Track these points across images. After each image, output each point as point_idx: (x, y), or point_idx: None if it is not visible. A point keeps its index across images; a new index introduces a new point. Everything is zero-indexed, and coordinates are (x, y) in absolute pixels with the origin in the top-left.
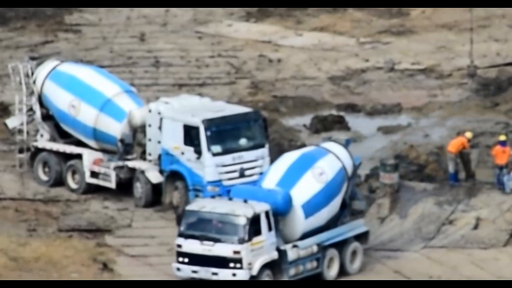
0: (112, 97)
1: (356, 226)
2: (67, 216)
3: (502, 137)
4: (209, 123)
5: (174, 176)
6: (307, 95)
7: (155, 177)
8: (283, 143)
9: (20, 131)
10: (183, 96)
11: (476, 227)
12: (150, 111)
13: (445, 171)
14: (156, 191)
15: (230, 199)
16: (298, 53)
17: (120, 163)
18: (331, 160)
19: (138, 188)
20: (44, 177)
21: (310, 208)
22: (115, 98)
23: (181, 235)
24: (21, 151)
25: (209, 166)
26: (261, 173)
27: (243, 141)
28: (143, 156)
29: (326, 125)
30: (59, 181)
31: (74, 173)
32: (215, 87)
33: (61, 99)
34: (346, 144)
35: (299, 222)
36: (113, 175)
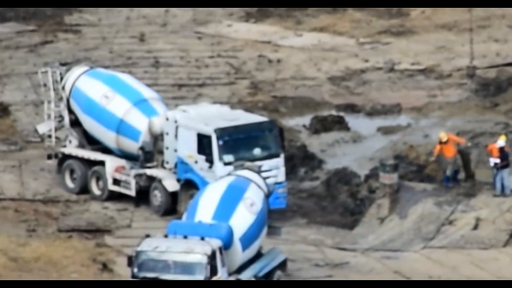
0: (123, 116)
1: (276, 255)
2: (67, 216)
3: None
4: (222, 132)
5: (189, 185)
6: (307, 95)
7: (171, 185)
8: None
9: (49, 137)
10: (203, 104)
11: (476, 227)
12: (167, 119)
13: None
14: (175, 199)
15: (185, 237)
16: (297, 53)
17: (140, 171)
18: (255, 189)
19: (157, 197)
20: (71, 185)
21: (246, 241)
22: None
23: (133, 277)
24: (49, 157)
25: (220, 175)
26: (276, 183)
27: (257, 151)
28: (164, 164)
29: (325, 125)
30: (85, 189)
31: (98, 179)
32: (214, 88)
33: (94, 90)
34: (259, 171)
35: (237, 255)
36: (133, 182)
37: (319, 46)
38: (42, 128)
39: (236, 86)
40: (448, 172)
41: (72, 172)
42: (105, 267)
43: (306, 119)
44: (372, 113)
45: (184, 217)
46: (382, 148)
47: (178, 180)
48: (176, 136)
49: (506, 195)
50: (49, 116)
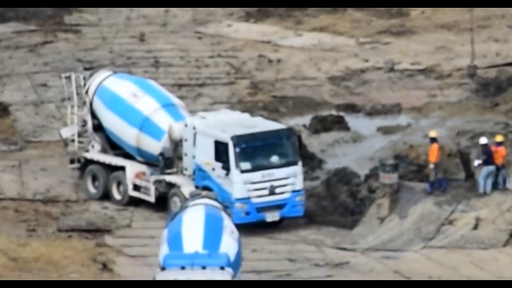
0: (150, 114)
1: None
2: (67, 216)
3: (499, 138)
4: (238, 140)
5: None
6: (307, 95)
7: (190, 192)
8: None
9: (72, 142)
10: (223, 110)
11: (475, 227)
12: (186, 125)
13: (445, 171)
14: None
15: (204, 267)
16: (297, 53)
17: (160, 177)
18: (227, 217)
19: (177, 203)
20: (92, 190)
21: (235, 268)
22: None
23: None
24: (72, 162)
25: (237, 183)
26: (293, 191)
27: (274, 158)
28: (183, 170)
29: (325, 125)
30: (106, 195)
31: (119, 184)
32: (214, 87)
33: (123, 88)
34: (217, 199)
35: None
36: (152, 189)
37: (319, 46)
38: (66, 133)
39: (236, 86)
40: (431, 178)
41: (94, 177)
42: (105, 267)
43: (306, 119)
44: (372, 113)
45: (164, 248)
46: (382, 148)
47: (197, 187)
48: (194, 142)
49: (483, 193)
50: (72, 121)
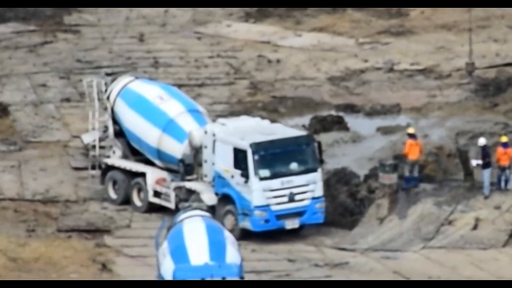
0: (175, 117)
1: None
2: (66, 216)
3: (504, 139)
4: (257, 147)
5: (227, 200)
6: (306, 95)
7: (210, 199)
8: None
9: (93, 147)
10: (243, 117)
11: (475, 227)
12: (206, 132)
13: (445, 172)
14: (214, 213)
15: (224, 278)
16: (297, 54)
17: (180, 184)
18: (224, 227)
19: None
20: (113, 195)
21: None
22: (178, 118)
23: None
24: (93, 167)
25: (256, 190)
26: (313, 198)
27: (293, 165)
28: (203, 177)
29: (325, 125)
30: (127, 200)
31: (139, 191)
32: (214, 88)
33: (149, 90)
34: (208, 210)
35: None
36: (172, 195)
37: (319, 46)
38: (87, 138)
39: (236, 86)
40: (407, 173)
41: (115, 183)
42: (104, 267)
43: (305, 119)
44: (372, 113)
45: (168, 261)
46: (381, 148)
47: (216, 194)
48: (213, 149)
49: (485, 195)
50: (93, 127)
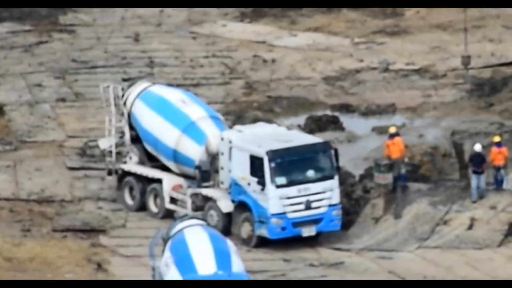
0: (197, 120)
1: None
2: (62, 216)
3: (497, 138)
4: (274, 154)
5: (243, 207)
6: (302, 95)
7: (226, 206)
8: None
9: (110, 153)
10: (260, 124)
11: (470, 227)
12: (222, 139)
13: (440, 172)
14: (231, 220)
15: None
16: (292, 54)
17: (196, 191)
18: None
19: (214, 217)
20: (130, 201)
21: None
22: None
23: None
24: (109, 173)
25: (272, 198)
26: (330, 205)
27: (310, 173)
28: (219, 184)
29: (320, 125)
30: (143, 207)
31: (156, 197)
32: (209, 88)
33: (171, 94)
34: (204, 219)
35: None
36: (189, 202)
37: (314, 46)
38: (104, 144)
39: (231, 86)
40: (403, 171)
41: (131, 189)
42: (99, 267)
43: (300, 119)
44: (367, 113)
45: (173, 271)
46: (376, 148)
47: (233, 201)
48: (230, 156)
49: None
50: (110, 132)
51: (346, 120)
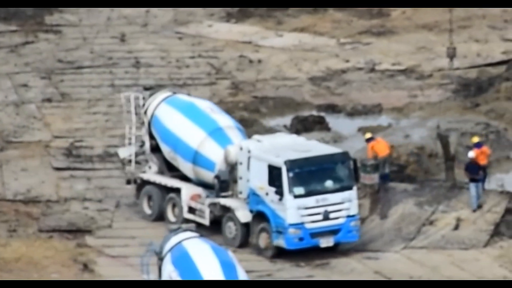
0: (224, 127)
1: None
2: (48, 216)
3: (475, 139)
4: (292, 164)
5: (261, 217)
6: (288, 95)
7: (244, 216)
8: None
9: (129, 162)
10: (279, 134)
11: (456, 227)
12: (241, 148)
13: (426, 172)
14: (249, 230)
15: None
16: (278, 54)
17: (215, 200)
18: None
19: (232, 227)
20: (148, 211)
21: None
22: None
23: None
24: (128, 182)
25: (290, 208)
26: (348, 216)
27: (328, 183)
28: (238, 194)
29: (306, 125)
30: (161, 216)
31: (174, 206)
32: (195, 88)
33: (199, 101)
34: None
35: None
36: (207, 212)
37: (300, 46)
38: (123, 153)
39: (217, 86)
40: (387, 170)
41: (150, 198)
42: (86, 267)
43: (286, 120)
44: (353, 113)
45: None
46: (362, 149)
47: (251, 211)
48: (248, 166)
49: (473, 208)
50: (130, 141)
51: (332, 120)
